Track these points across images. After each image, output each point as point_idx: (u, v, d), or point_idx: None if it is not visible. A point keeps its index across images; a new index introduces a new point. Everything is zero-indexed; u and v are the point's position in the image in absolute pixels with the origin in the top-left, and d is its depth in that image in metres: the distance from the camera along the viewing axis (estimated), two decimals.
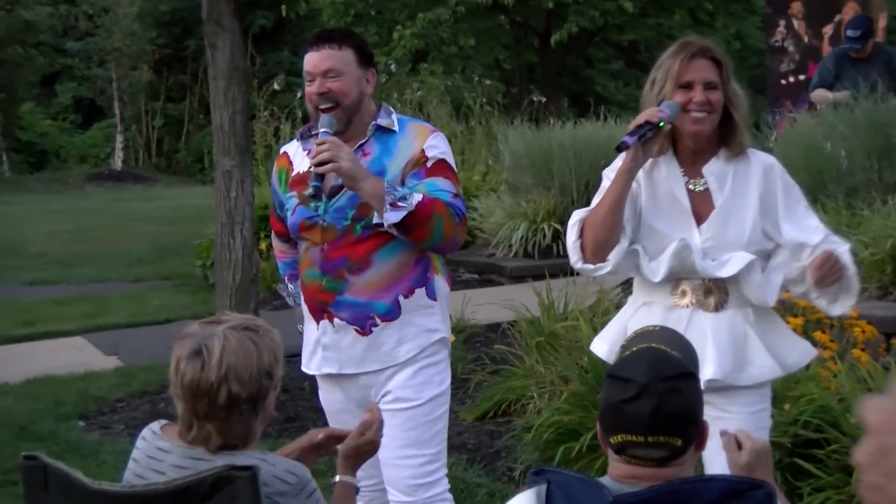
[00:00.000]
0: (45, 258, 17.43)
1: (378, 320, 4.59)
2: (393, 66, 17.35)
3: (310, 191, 4.43)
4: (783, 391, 5.95)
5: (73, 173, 33.96)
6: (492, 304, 9.01)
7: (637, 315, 4.42)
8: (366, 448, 3.82)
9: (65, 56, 37.10)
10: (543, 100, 17.39)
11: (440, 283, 4.71)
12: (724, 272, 4.22)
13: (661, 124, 4.14)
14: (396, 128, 4.64)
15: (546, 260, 11.69)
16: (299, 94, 17.01)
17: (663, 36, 19.76)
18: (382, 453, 4.51)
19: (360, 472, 4.10)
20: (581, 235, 4.31)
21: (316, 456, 3.88)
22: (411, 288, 4.61)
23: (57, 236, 19.58)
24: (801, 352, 4.43)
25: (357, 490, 3.83)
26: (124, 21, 34.57)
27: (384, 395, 4.67)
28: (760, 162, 4.32)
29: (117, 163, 35.04)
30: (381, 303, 4.58)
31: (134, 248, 17.87)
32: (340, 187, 4.53)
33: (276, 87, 17.66)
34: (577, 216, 4.34)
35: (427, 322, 4.64)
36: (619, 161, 4.24)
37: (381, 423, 3.85)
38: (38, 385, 9.28)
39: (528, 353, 7.66)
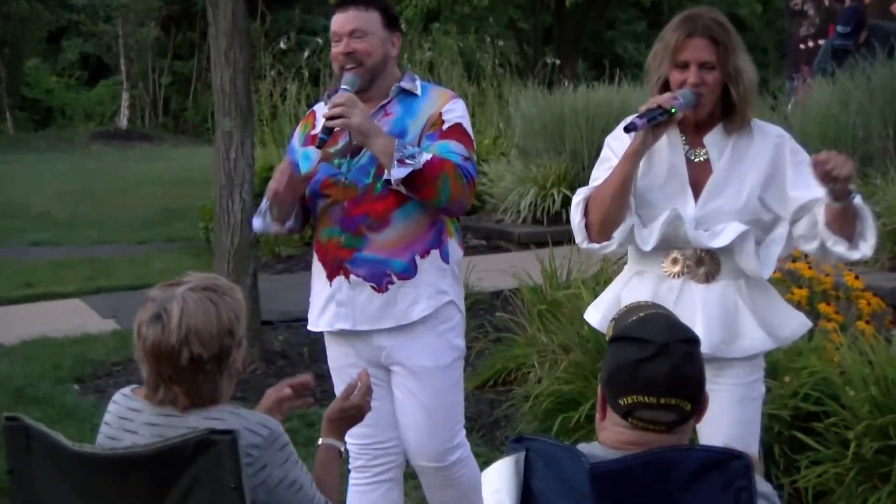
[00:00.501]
0: (48, 219, 17.50)
1: (395, 278, 4.74)
2: (403, 26, 17.30)
3: (318, 141, 4.60)
4: (785, 363, 6.00)
5: (78, 131, 33.92)
6: (497, 271, 9.07)
7: (630, 285, 4.48)
8: (351, 412, 3.92)
9: (71, 11, 37.06)
10: (558, 62, 17.36)
11: (454, 246, 4.84)
12: (717, 242, 4.26)
13: (673, 111, 4.16)
14: (419, 92, 4.79)
15: (555, 226, 11.73)
16: (307, 54, 17.08)
17: None
18: (405, 420, 4.83)
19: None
20: (586, 215, 4.36)
21: (281, 411, 3.98)
22: (427, 249, 4.76)
23: (61, 197, 19.62)
24: (795, 324, 4.44)
25: (341, 453, 3.91)
26: None
27: (400, 364, 4.82)
28: (767, 133, 4.34)
29: (123, 121, 35.00)
30: (398, 261, 4.72)
31: (140, 210, 17.92)
32: (361, 146, 4.67)
33: (282, 46, 17.66)
34: (580, 195, 4.41)
35: (441, 284, 4.77)
36: (620, 130, 4.28)
37: (368, 389, 3.94)
38: (35, 348, 9.39)
39: (530, 321, 7.72)
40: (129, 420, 3.55)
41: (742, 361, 4.35)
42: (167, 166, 24.22)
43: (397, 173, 4.51)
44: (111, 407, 3.64)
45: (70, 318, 10.22)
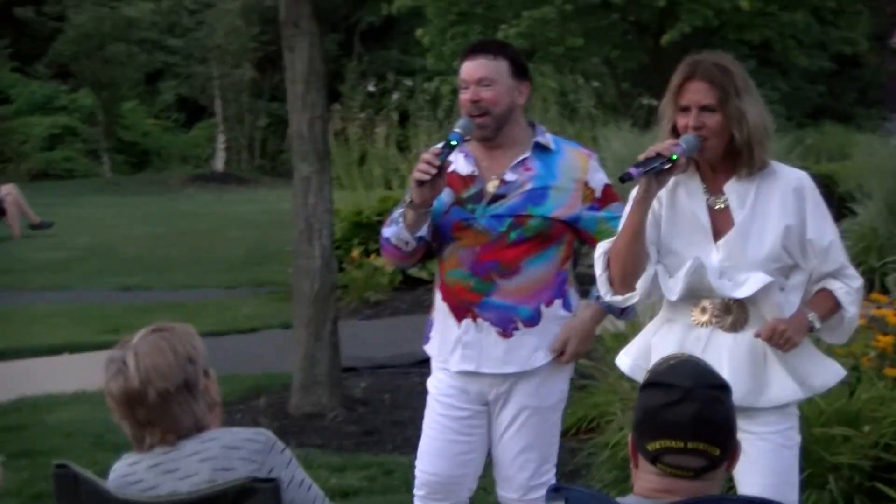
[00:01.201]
0: (138, 263, 17.74)
1: (520, 324, 4.99)
2: None
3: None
4: (866, 412, 5.98)
5: (173, 174, 34.37)
6: None
7: (659, 332, 4.55)
8: None
9: (167, 53, 37.58)
10: (654, 103, 17.33)
11: (574, 296, 5.08)
12: (741, 293, 4.31)
13: (675, 157, 4.24)
14: (553, 146, 5.04)
15: None
16: (395, 96, 17.25)
17: (786, 36, 19.61)
18: (502, 454, 5.15)
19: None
20: (608, 268, 4.46)
21: None
22: (551, 298, 5.00)
23: (153, 240, 19.90)
24: (828, 374, 4.48)
25: None
26: (227, 17, 34.87)
27: (510, 402, 5.08)
28: (788, 179, 4.37)
29: (219, 164, 35.37)
30: (524, 308, 4.98)
31: (230, 254, 18.13)
32: (502, 195, 4.96)
33: (370, 89, 17.86)
34: (601, 248, 4.53)
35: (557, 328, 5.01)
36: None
37: None
38: None
39: (612, 368, 7.73)
40: (132, 474, 3.66)
41: (773, 410, 4.38)
42: (260, 209, 24.43)
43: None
44: (111, 476, 3.72)
45: None
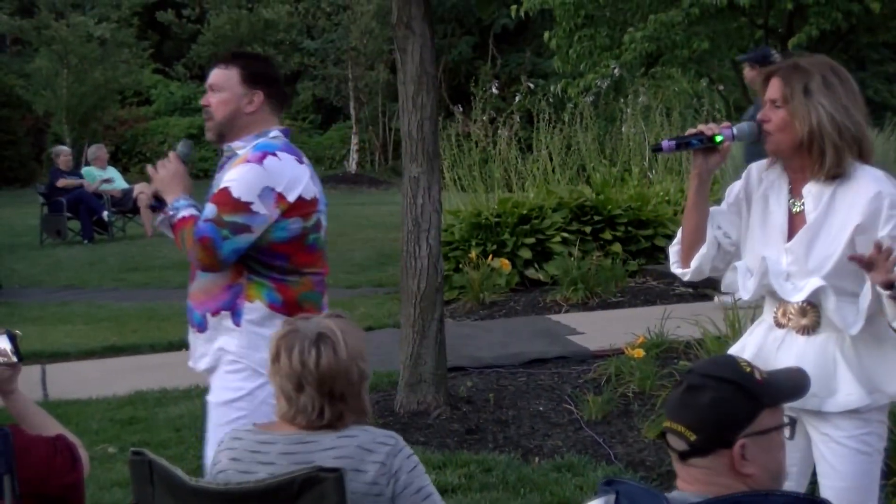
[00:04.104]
0: None
1: (194, 328, 5.26)
2: (617, 71, 17.38)
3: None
4: None
5: None
6: (693, 321, 9.08)
7: (753, 332, 4.61)
8: None
9: (303, 55, 38.01)
10: None
11: (254, 310, 5.11)
12: (797, 297, 4.36)
13: (718, 139, 4.38)
14: (242, 152, 5.19)
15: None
16: (518, 98, 17.30)
17: None
18: None
19: None
20: (680, 241, 4.60)
21: None
22: (217, 309, 5.12)
23: None
24: None
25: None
26: (362, 19, 35.16)
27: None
28: (868, 183, 4.29)
29: (352, 165, 35.72)
30: (196, 314, 5.22)
31: (355, 255, 18.28)
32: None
33: (493, 90, 17.93)
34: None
35: (227, 343, 5.14)
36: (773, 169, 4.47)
37: None
38: None
39: None
40: (263, 453, 3.83)
41: (848, 414, 4.35)
42: (389, 211, 24.54)
43: (156, 221, 5.28)
44: (234, 444, 3.91)
45: None
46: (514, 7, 18.08)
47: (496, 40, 35.38)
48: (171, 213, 5.13)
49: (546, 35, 18.60)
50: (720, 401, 3.24)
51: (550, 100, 17.73)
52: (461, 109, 19.68)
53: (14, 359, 4.35)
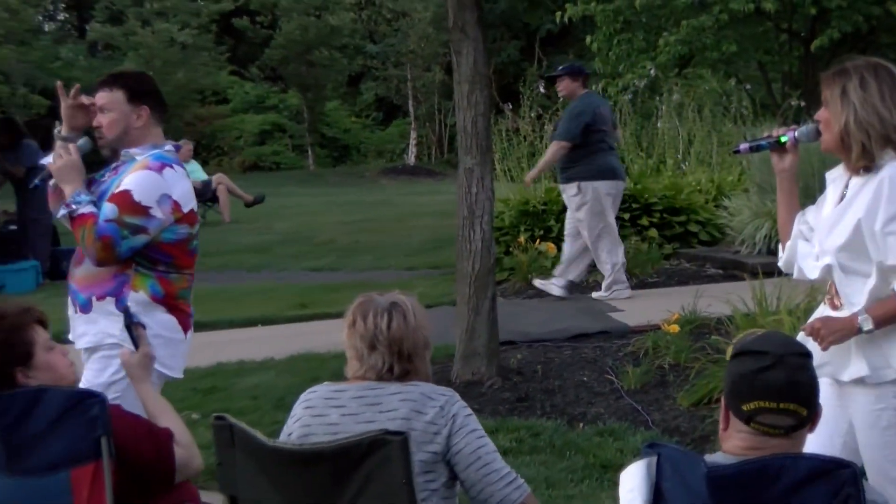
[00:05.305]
0: (329, 247, 18.06)
1: (77, 309, 5.24)
2: (653, 71, 17.33)
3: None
4: None
5: (369, 167, 34.86)
6: (725, 299, 9.04)
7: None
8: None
9: (366, 58, 38.06)
10: (803, 104, 17.08)
11: (136, 298, 5.15)
12: (812, 275, 4.44)
13: (783, 140, 4.45)
14: (141, 159, 5.24)
15: None
16: (562, 97, 17.23)
17: None
18: None
19: None
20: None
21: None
22: (104, 294, 5.15)
23: (345, 226, 20.18)
24: None
25: None
26: (419, 25, 35.22)
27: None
28: (883, 172, 4.22)
29: (411, 158, 35.78)
30: (81, 295, 5.22)
31: (413, 239, 18.27)
32: None
33: (540, 89, 17.92)
34: None
35: (110, 327, 5.12)
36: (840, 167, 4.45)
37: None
38: (300, 361, 9.78)
39: None
40: (335, 399, 3.96)
41: (864, 390, 4.30)
42: (444, 199, 24.45)
43: (57, 213, 5.22)
44: (308, 396, 4.08)
45: (335, 335, 10.39)
46: (558, 13, 18.09)
47: (541, 44, 35.25)
48: (72, 206, 5.14)
49: (588, 39, 18.62)
50: (813, 373, 3.33)
51: None
52: (510, 107, 19.74)
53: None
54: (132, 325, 4.82)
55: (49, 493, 4.08)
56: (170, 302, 5.23)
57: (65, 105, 5.35)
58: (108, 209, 5.07)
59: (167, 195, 5.12)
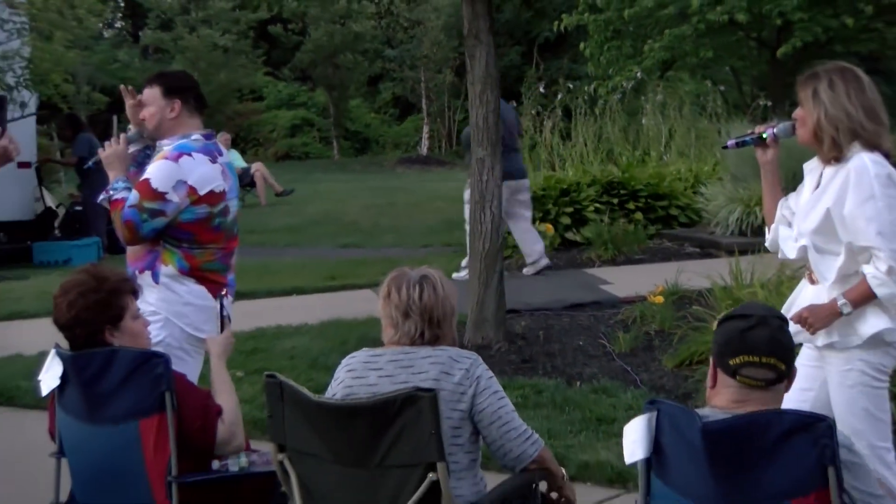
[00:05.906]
0: (356, 226, 17.99)
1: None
2: (639, 75, 17.32)
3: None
4: None
5: (387, 157, 34.78)
6: (703, 274, 9.05)
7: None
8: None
9: (384, 61, 37.97)
10: (769, 104, 17.07)
11: (168, 272, 5.17)
12: (791, 255, 4.51)
13: (764, 136, 4.49)
14: (165, 150, 5.23)
15: (758, 238, 11.56)
16: (560, 96, 17.25)
17: (886, 47, 19.03)
18: None
19: None
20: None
21: None
22: (143, 268, 5.17)
23: (368, 209, 20.10)
24: (869, 324, 4.27)
25: None
26: (432, 32, 35.14)
27: None
28: (850, 163, 4.24)
29: (424, 149, 35.71)
30: (129, 269, 5.24)
31: (428, 220, 18.19)
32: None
33: (540, 90, 17.90)
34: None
35: (149, 296, 5.09)
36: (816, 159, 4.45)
37: None
38: (330, 327, 9.76)
39: (719, 313, 7.75)
40: (374, 362, 3.92)
41: (835, 353, 4.33)
42: (454, 186, 24.31)
43: (99, 197, 5.24)
44: (349, 361, 4.01)
45: (361, 304, 10.47)
46: (555, 23, 18.06)
47: (540, 50, 35.02)
48: (110, 192, 5.19)
49: (581, 45, 18.61)
50: (790, 337, 3.36)
51: (585, 98, 17.70)
52: (514, 105, 19.65)
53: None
54: (222, 319, 5.10)
55: (122, 440, 4.11)
56: (196, 273, 5.21)
57: (128, 105, 5.38)
58: (132, 195, 5.10)
59: (182, 181, 5.10)
